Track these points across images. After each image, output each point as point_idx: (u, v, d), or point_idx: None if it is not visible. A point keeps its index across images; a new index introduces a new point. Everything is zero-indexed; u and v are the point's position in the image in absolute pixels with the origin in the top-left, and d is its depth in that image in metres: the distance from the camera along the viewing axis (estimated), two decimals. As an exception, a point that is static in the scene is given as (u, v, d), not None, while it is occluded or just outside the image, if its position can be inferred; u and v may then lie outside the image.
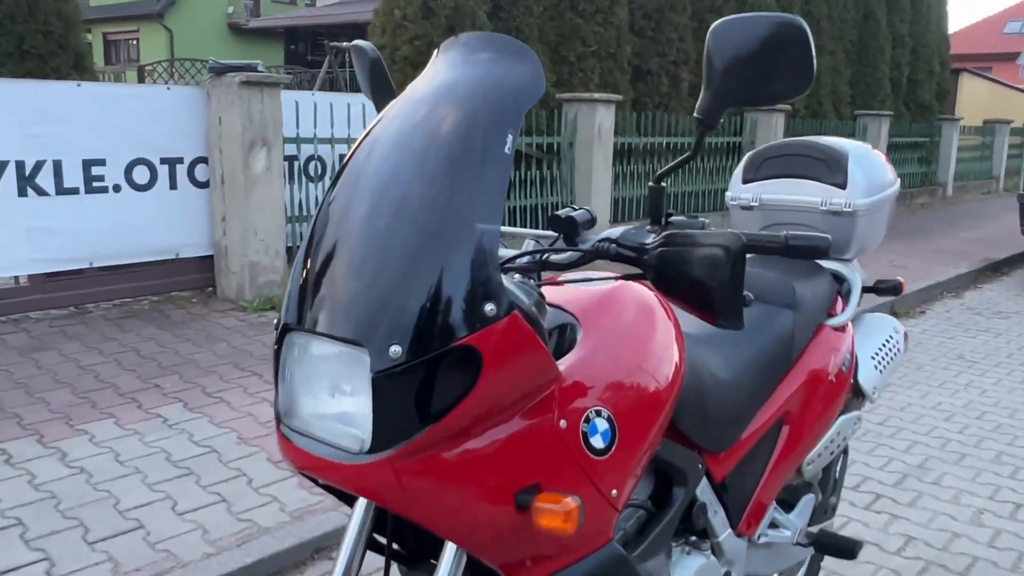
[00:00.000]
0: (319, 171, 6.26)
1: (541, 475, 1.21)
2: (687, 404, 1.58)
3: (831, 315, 2.09)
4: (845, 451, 2.40)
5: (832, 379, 2.00)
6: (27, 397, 3.92)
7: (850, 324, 2.15)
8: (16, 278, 5.10)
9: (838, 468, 2.38)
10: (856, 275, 2.17)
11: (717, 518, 1.74)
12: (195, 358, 4.53)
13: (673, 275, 1.24)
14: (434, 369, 1.09)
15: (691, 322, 1.90)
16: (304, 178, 6.13)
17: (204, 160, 5.68)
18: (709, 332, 1.85)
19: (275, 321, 1.24)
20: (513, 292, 1.15)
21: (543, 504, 1.15)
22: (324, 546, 2.87)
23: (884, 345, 2.24)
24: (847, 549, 2.04)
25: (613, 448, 1.29)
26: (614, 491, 1.30)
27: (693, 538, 1.71)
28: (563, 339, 1.39)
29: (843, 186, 2.14)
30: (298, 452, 1.19)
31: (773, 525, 1.97)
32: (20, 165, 4.91)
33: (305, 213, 6.09)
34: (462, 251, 1.11)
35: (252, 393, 4.06)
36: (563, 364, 1.29)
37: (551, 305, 1.46)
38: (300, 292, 1.19)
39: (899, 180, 2.27)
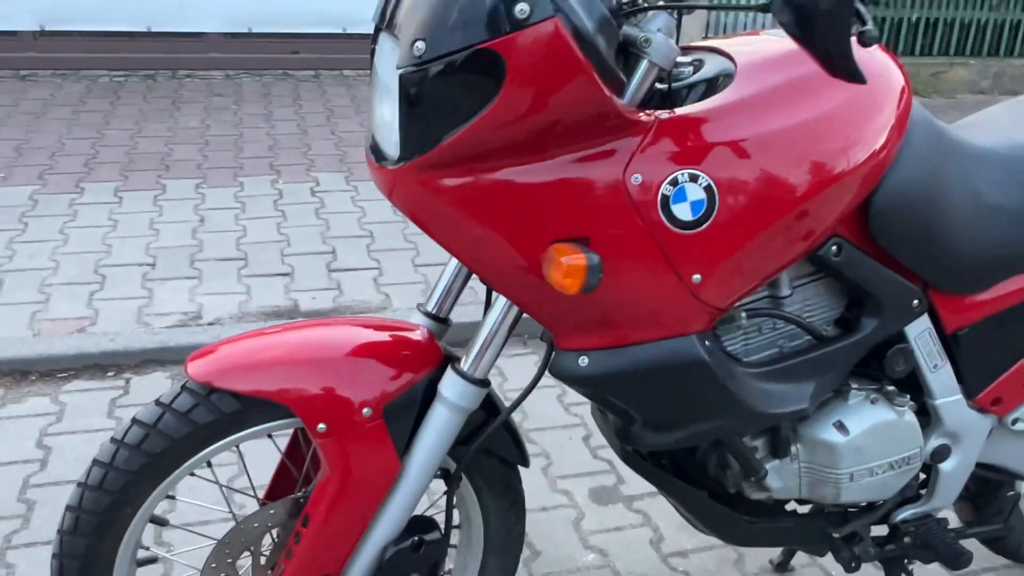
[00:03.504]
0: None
1: (592, 230, 1.03)
2: (902, 219, 1.21)
3: None
4: None
5: None
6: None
7: None
8: None
9: None
10: None
11: (938, 375, 1.35)
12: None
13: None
14: (454, 72, 0.95)
15: (989, 127, 1.43)
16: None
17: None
18: (1007, 141, 1.36)
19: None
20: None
21: (552, 253, 0.99)
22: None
23: None
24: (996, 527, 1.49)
25: (705, 225, 1.04)
26: (696, 276, 1.06)
27: (891, 388, 1.36)
28: (713, 91, 1.12)
29: None
30: (367, 159, 1.16)
31: (1049, 414, 1.48)
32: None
33: None
34: None
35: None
36: (674, 112, 1.05)
37: (713, 50, 1.18)
38: None
39: None
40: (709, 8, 1.17)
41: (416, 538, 1.22)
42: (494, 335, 1.16)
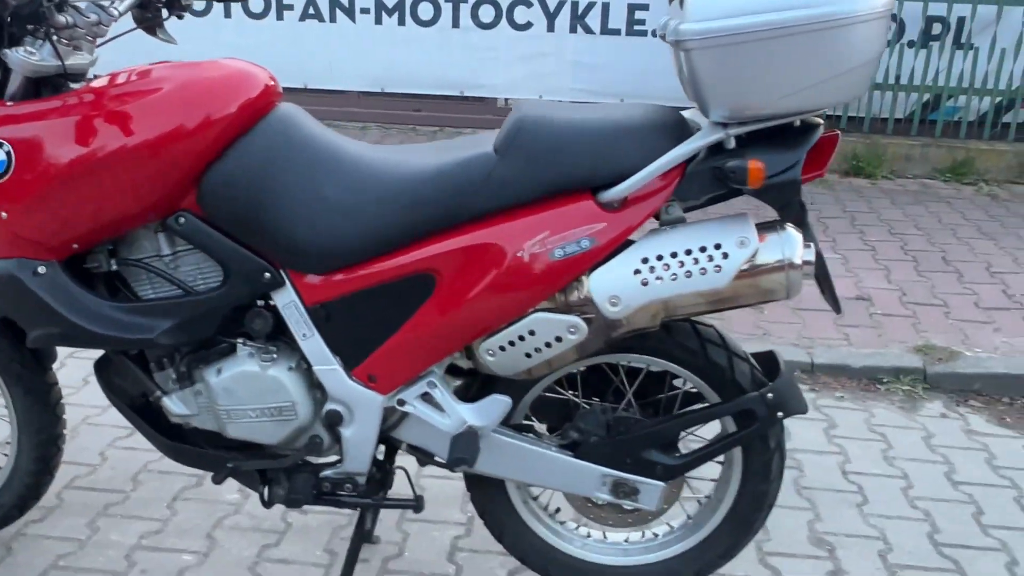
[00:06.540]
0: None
1: None
2: (228, 202, 1.58)
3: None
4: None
5: (525, 258, 1.51)
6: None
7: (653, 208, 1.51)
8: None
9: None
10: (708, 136, 1.48)
11: (308, 344, 1.64)
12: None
13: None
14: None
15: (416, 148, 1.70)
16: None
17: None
18: (376, 154, 1.65)
19: None
20: None
21: None
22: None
23: (688, 254, 1.48)
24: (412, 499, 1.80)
25: (4, 179, 1.52)
26: (3, 214, 1.53)
27: (274, 348, 1.67)
28: None
29: None
30: None
31: (428, 400, 1.65)
32: (575, 5, 5.70)
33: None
34: None
35: None
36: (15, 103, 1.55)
37: None
38: None
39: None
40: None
41: None
42: None
